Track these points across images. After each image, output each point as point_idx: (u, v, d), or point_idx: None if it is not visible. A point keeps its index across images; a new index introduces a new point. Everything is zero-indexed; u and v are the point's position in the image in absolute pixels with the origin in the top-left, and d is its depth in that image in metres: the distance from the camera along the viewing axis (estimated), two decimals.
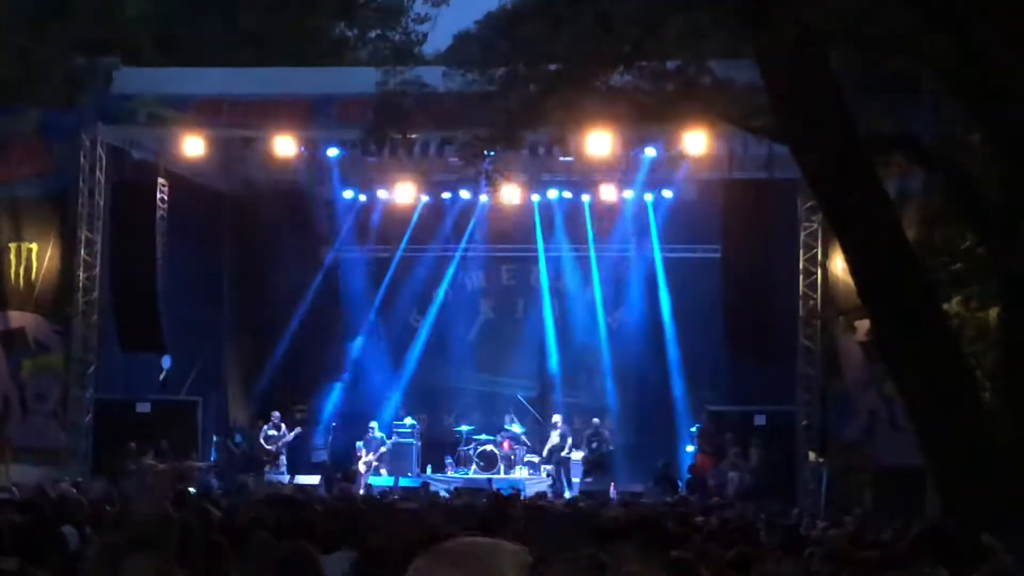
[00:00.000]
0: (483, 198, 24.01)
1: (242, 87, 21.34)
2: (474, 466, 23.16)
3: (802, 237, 20.59)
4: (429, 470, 23.44)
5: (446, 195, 24.72)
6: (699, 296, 23.65)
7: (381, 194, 24.85)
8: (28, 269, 21.52)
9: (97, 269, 21.47)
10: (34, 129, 21.83)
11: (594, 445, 22.83)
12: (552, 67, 14.22)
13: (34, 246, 21.55)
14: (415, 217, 25.18)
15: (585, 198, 24.39)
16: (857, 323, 19.14)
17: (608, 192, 23.78)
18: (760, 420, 21.64)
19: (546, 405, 24.73)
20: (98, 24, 26.75)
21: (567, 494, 21.33)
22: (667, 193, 23.87)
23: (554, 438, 23.19)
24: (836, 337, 20.39)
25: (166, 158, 22.11)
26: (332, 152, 22.87)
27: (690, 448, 22.84)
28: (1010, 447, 12.14)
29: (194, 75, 22.10)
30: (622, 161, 22.64)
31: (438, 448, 24.14)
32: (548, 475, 22.91)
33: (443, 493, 19.65)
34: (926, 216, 17.94)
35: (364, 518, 10.33)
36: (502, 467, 23.08)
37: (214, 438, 23.40)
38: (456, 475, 22.80)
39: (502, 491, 18.70)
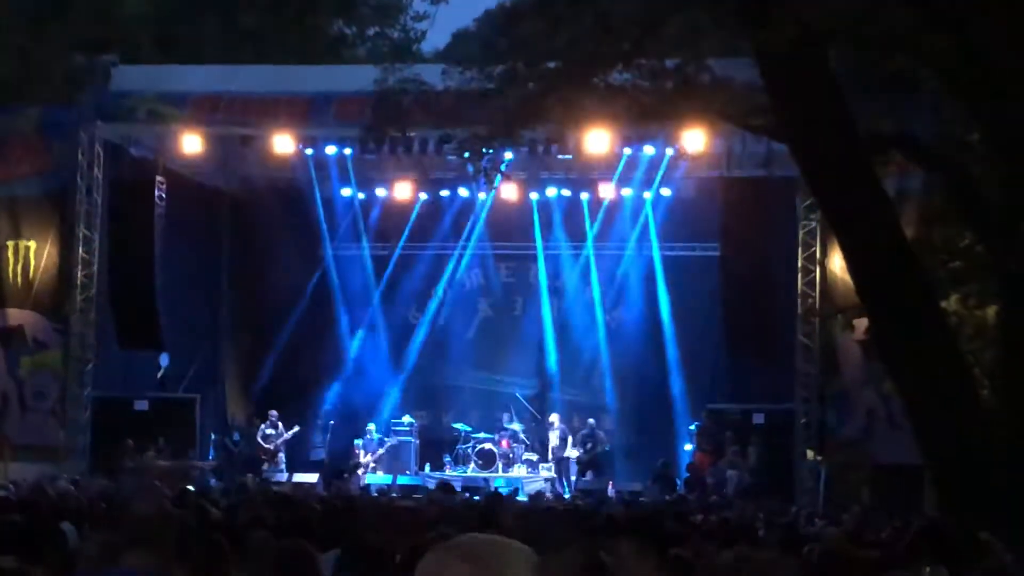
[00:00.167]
0: (482, 196, 24.04)
1: (240, 85, 21.34)
2: (472, 464, 23.14)
3: (801, 235, 20.59)
4: (427, 468, 23.43)
5: (445, 193, 24.70)
6: (698, 294, 23.64)
7: (379, 192, 24.83)
8: (26, 267, 21.52)
9: (95, 267, 21.45)
10: (33, 127, 21.83)
11: (589, 445, 22.82)
12: (551, 65, 14.24)
13: (32, 244, 21.55)
14: (414, 215, 25.16)
15: (584, 196, 24.37)
16: (856, 321, 19.14)
17: (607, 190, 23.76)
18: (759, 418, 21.64)
19: (545, 403, 24.71)
20: (97, 23, 26.74)
21: (567, 493, 21.35)
22: (666, 191, 23.85)
23: (553, 439, 23.17)
24: (834, 335, 20.40)
25: (165, 156, 22.10)
26: (330, 150, 22.85)
27: (688, 446, 22.83)
28: (1008, 445, 12.16)
29: (192, 72, 22.11)
30: (621, 159, 22.63)
31: (436, 446, 24.12)
32: (547, 474, 22.88)
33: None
34: (925, 215, 17.94)
35: (363, 516, 10.33)
36: (500, 465, 23.06)
37: (212, 436, 23.39)
38: (454, 473, 22.77)
39: (499, 490, 18.70)
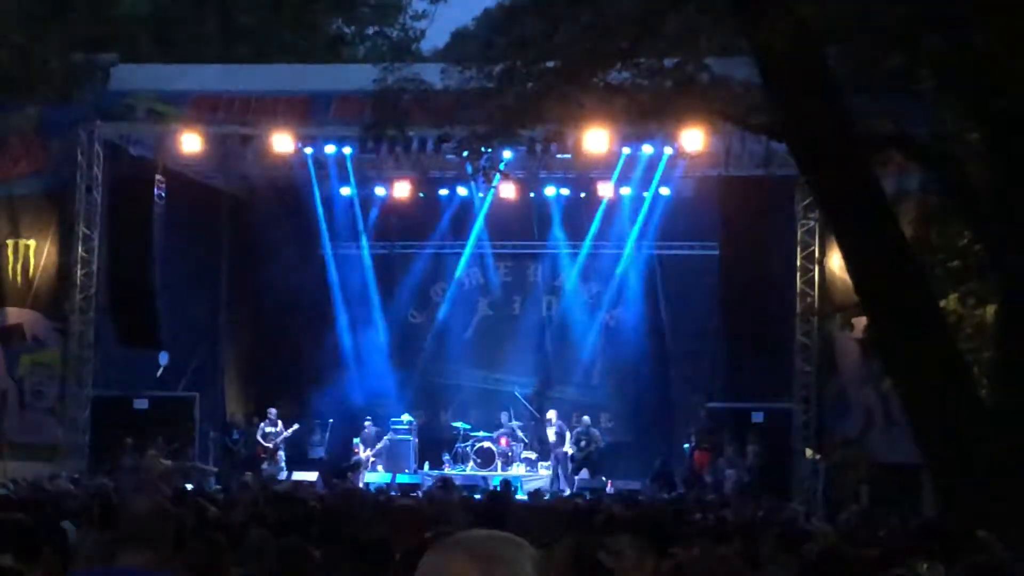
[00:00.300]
0: (480, 195, 24.05)
1: (240, 84, 21.36)
2: (471, 463, 23.16)
3: (799, 234, 20.61)
4: (426, 467, 23.44)
5: (444, 192, 24.73)
6: (696, 293, 23.66)
7: (379, 191, 24.83)
8: (26, 266, 21.53)
9: (95, 265, 21.46)
10: (32, 126, 21.83)
11: (583, 444, 22.83)
12: (550, 64, 14.24)
13: (32, 243, 21.56)
14: (413, 214, 25.16)
15: (583, 195, 24.37)
16: (854, 320, 19.15)
17: (606, 189, 23.76)
18: (757, 417, 21.65)
19: (543, 402, 24.72)
20: (96, 21, 26.74)
21: (567, 490, 21.36)
22: (664, 190, 23.85)
23: (550, 435, 23.18)
24: (833, 334, 20.41)
25: (164, 155, 22.09)
26: (330, 149, 22.84)
27: (687, 445, 22.84)
28: (1006, 444, 12.16)
29: (192, 72, 22.11)
30: (620, 158, 22.62)
31: (435, 445, 24.15)
32: (547, 472, 22.89)
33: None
34: (923, 214, 17.97)
35: (361, 514, 10.34)
36: (499, 464, 23.08)
37: (211, 435, 23.40)
38: (453, 472, 22.78)
39: (495, 486, 18.72)
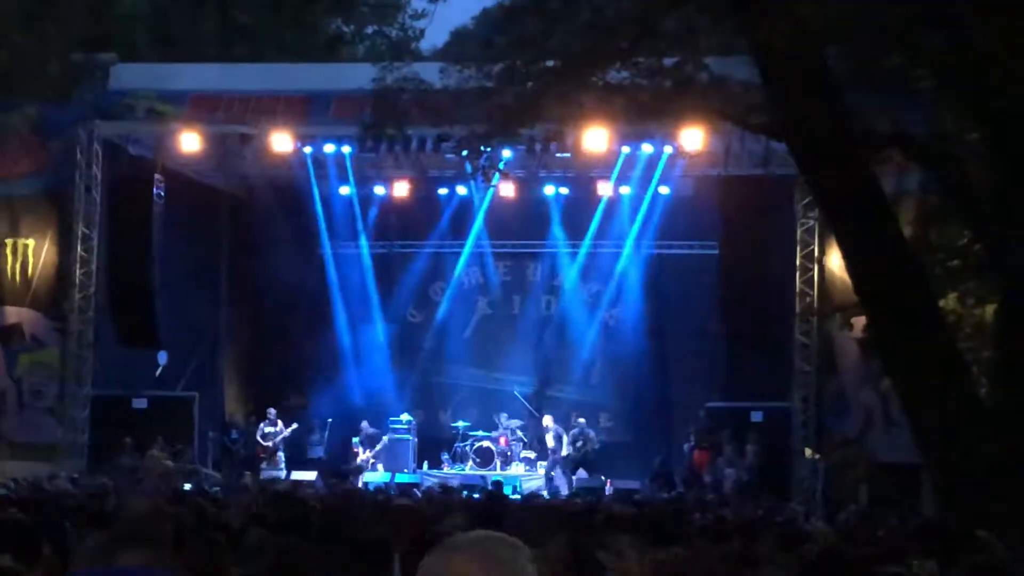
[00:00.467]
0: (479, 194, 24.05)
1: (239, 83, 21.36)
2: (470, 462, 23.16)
3: (799, 233, 20.61)
4: (426, 466, 23.44)
5: (443, 191, 24.73)
6: (696, 292, 23.65)
7: (378, 190, 24.83)
8: (25, 265, 21.52)
9: (94, 265, 21.46)
10: (31, 125, 21.82)
11: (579, 444, 22.81)
12: (549, 64, 14.23)
13: (31, 242, 21.55)
14: (412, 213, 25.16)
15: (582, 194, 24.37)
16: (854, 320, 19.14)
17: (605, 188, 23.77)
18: (757, 417, 21.66)
19: (543, 401, 24.73)
20: (95, 21, 26.74)
21: (565, 491, 21.35)
22: (664, 189, 23.85)
23: (549, 440, 23.14)
24: (833, 333, 20.41)
25: (163, 154, 22.09)
26: (329, 148, 22.84)
27: (687, 444, 22.83)
28: (1006, 444, 12.16)
29: (191, 71, 22.11)
30: (619, 157, 22.62)
31: (435, 444, 24.15)
32: (546, 473, 22.89)
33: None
34: (923, 214, 17.95)
35: (361, 513, 10.33)
36: (499, 463, 23.09)
37: (210, 434, 23.41)
38: (452, 471, 22.80)
39: (499, 481, 18.74)
